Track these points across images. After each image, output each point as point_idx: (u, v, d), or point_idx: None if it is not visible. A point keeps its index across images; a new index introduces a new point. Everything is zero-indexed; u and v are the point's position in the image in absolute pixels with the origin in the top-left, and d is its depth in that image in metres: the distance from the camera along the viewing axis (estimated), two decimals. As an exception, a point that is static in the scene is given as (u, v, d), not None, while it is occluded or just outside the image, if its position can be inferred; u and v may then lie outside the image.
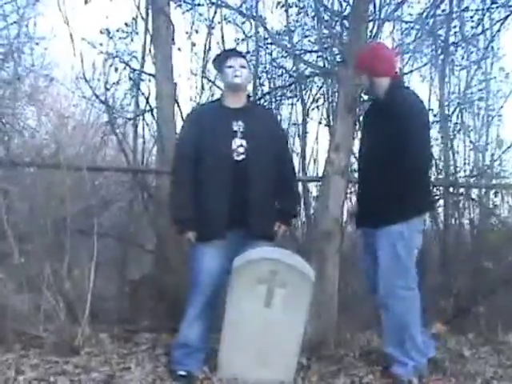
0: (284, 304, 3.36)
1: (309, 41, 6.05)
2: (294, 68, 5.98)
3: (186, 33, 5.80)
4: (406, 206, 3.46)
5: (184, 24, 5.85)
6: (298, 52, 5.74)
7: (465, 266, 5.07)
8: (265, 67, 6.15)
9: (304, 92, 6.05)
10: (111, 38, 5.55)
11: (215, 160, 3.48)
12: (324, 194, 4.21)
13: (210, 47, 5.92)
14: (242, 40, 6.08)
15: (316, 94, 6.10)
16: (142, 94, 5.38)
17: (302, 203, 5.65)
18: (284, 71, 6.14)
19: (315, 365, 3.74)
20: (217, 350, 3.49)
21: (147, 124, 5.53)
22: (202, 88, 6.00)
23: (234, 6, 5.68)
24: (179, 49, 5.20)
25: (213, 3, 5.72)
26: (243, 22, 6.05)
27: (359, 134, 4.04)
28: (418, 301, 3.54)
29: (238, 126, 3.53)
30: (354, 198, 3.98)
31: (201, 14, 5.93)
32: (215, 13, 5.84)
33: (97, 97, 5.45)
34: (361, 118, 4.32)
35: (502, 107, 6.04)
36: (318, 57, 5.88)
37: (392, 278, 3.48)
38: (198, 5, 5.87)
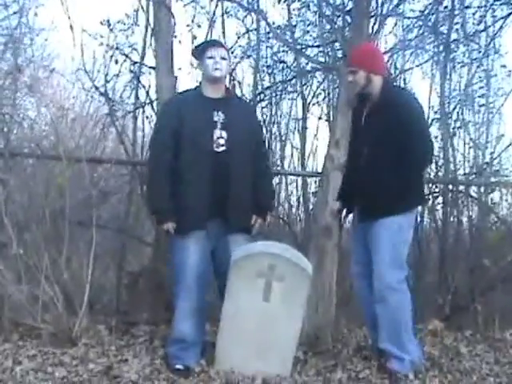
0: (282, 298, 3.37)
1: (310, 36, 6.03)
2: (295, 63, 5.96)
3: (187, 26, 5.77)
4: (407, 198, 3.52)
5: (185, 17, 5.83)
6: (299, 47, 5.71)
7: (463, 263, 5.08)
8: (266, 61, 6.12)
9: (305, 87, 6.04)
10: (112, 29, 5.52)
11: (195, 151, 3.46)
12: (323, 189, 4.21)
13: (211, 41, 5.88)
14: (244, 34, 6.06)
15: (317, 89, 6.09)
16: (143, 86, 5.35)
17: (302, 198, 5.65)
18: (285, 66, 6.11)
19: (312, 359, 3.75)
20: (214, 343, 3.49)
21: (147, 117, 5.49)
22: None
23: (235, 0, 5.65)
24: (180, 42, 5.17)
25: (214, -4, 5.70)
26: (245, 16, 6.01)
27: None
28: (407, 294, 3.56)
29: (218, 116, 3.52)
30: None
31: (202, 7, 5.90)
32: (216, 6, 5.80)
33: (97, 89, 5.43)
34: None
35: (502, 105, 6.04)
36: (319, 52, 5.85)
37: (389, 272, 3.50)
38: (200, -3, 5.85)
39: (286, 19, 5.82)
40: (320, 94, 6.05)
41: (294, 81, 6.07)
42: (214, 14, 5.80)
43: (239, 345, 3.40)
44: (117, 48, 5.50)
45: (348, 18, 4.94)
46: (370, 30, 4.59)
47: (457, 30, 5.73)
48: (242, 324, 3.38)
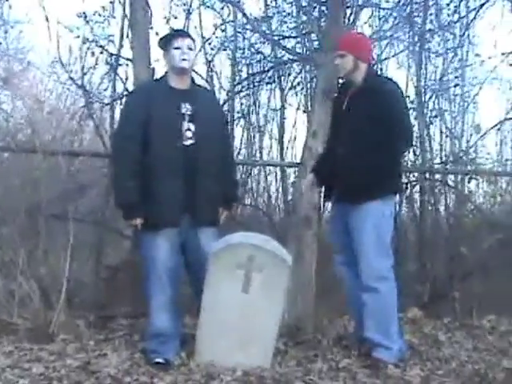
0: (261, 289, 3.36)
1: (287, 27, 6.03)
2: (273, 54, 5.96)
3: (164, 17, 5.74)
4: (385, 183, 3.53)
5: (162, 9, 5.79)
6: (276, 38, 5.71)
7: (441, 251, 5.13)
8: (243, 53, 6.12)
9: (282, 78, 6.05)
10: (88, 21, 5.47)
11: (164, 144, 3.39)
12: (302, 179, 4.21)
13: (188, 32, 5.85)
14: (220, 25, 6.04)
15: (294, 80, 6.10)
16: (120, 78, 5.33)
17: (281, 189, 5.66)
18: (262, 57, 6.11)
19: (293, 350, 3.75)
20: (194, 336, 3.48)
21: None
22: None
23: (212, -9, 5.64)
24: (157, 33, 5.12)
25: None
26: (221, 8, 6.00)
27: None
28: (395, 282, 3.58)
29: (185, 108, 3.45)
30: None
31: (179, -1, 5.86)
32: (193, -3, 5.79)
33: (73, 81, 5.39)
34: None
35: (477, 94, 6.11)
36: (296, 43, 5.86)
37: (377, 260, 3.51)
38: (176, -11, 5.81)
39: (262, 11, 5.82)
40: (298, 84, 6.07)
41: (271, 72, 6.07)
42: (190, 5, 5.78)
43: (219, 337, 3.39)
44: (93, 40, 5.45)
45: (324, 9, 4.94)
46: (346, 21, 4.60)
47: (431, 20, 5.78)
48: (222, 316, 3.37)
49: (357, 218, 3.54)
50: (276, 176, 6.04)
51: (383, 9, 5.61)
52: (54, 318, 3.77)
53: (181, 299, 3.60)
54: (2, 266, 3.85)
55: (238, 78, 6.02)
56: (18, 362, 3.42)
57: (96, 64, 5.46)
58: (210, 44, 5.93)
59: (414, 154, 5.49)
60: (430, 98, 5.91)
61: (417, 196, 5.53)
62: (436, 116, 5.94)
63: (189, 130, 3.43)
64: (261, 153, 6.02)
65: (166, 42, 3.55)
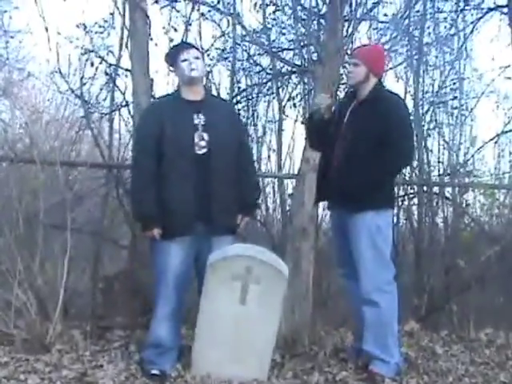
0: (258, 301, 3.36)
1: (286, 39, 6.07)
2: (271, 65, 5.98)
3: (163, 28, 5.77)
4: (379, 196, 3.53)
5: (161, 20, 5.82)
6: (274, 50, 5.74)
7: (438, 264, 5.12)
8: (242, 64, 6.14)
9: (280, 89, 6.07)
10: (87, 32, 5.50)
11: (177, 154, 3.43)
12: (299, 190, 4.23)
13: (187, 44, 5.87)
14: (219, 36, 6.06)
15: (292, 91, 6.12)
16: (118, 89, 5.33)
17: (278, 200, 5.67)
18: (261, 69, 6.14)
19: (289, 362, 3.73)
20: (190, 347, 3.47)
21: (123, 119, 5.49)
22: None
23: (211, 3, 5.66)
24: (156, 44, 5.16)
25: (190, 0, 5.70)
26: (220, 19, 6.03)
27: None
28: (396, 295, 3.57)
29: (198, 119, 3.48)
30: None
31: (178, 11, 5.90)
32: (192, 9, 5.80)
33: (72, 91, 5.39)
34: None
35: (474, 107, 6.13)
36: (294, 55, 5.89)
37: (376, 273, 3.50)
38: (176, 1, 5.84)
39: (261, 22, 5.84)
40: (296, 96, 6.09)
41: (269, 83, 6.09)
42: (189, 17, 5.80)
43: (216, 348, 3.38)
44: (92, 51, 5.47)
45: (322, 22, 4.98)
46: (344, 33, 4.63)
47: (429, 33, 5.82)
48: (219, 327, 3.37)
49: (353, 230, 3.55)
50: (274, 187, 6.04)
51: (381, 22, 5.65)
52: (50, 328, 3.75)
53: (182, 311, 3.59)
54: (-1, 275, 3.84)
55: (236, 89, 6.03)
56: (13, 372, 3.40)
57: (95, 74, 5.47)
58: (208, 55, 5.95)
59: (412, 167, 5.50)
60: (428, 110, 5.93)
61: (414, 208, 5.54)
62: (434, 128, 5.96)
63: (202, 139, 3.45)
64: (259, 164, 6.02)
65: (172, 58, 3.60)
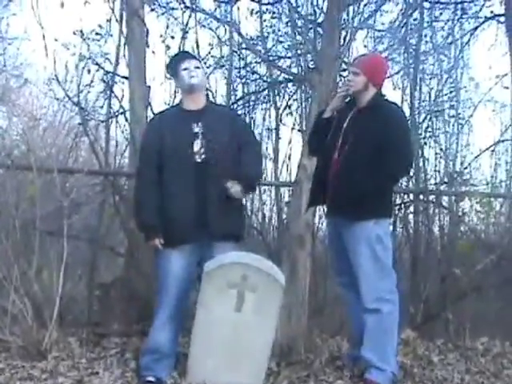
0: (254, 308, 3.35)
1: (282, 47, 6.10)
2: (268, 74, 6.01)
3: (161, 36, 5.79)
4: (381, 204, 3.54)
5: (158, 27, 5.84)
6: (271, 58, 5.77)
7: (434, 272, 5.13)
8: (238, 72, 6.16)
9: (277, 98, 6.08)
10: (85, 39, 5.51)
11: (177, 163, 3.46)
12: (296, 199, 4.23)
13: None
14: (216, 45, 6.09)
15: (289, 99, 6.14)
16: (115, 96, 5.34)
17: (275, 208, 5.68)
18: (258, 77, 6.16)
19: (285, 370, 3.72)
20: (186, 355, 3.47)
21: (120, 126, 5.50)
22: (176, 91, 5.98)
23: (208, 11, 5.69)
24: (153, 52, 5.18)
25: (187, 7, 5.72)
26: (217, 27, 6.06)
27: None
28: (398, 304, 3.57)
29: (198, 127, 3.50)
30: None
31: (175, 18, 5.92)
32: (190, 17, 5.83)
33: (69, 98, 5.40)
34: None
35: (471, 116, 6.16)
36: (291, 63, 5.92)
37: (377, 283, 3.49)
38: (173, 9, 5.87)
39: (258, 30, 5.87)
40: (292, 104, 6.11)
41: (266, 91, 6.11)
42: (186, 24, 5.83)
43: (211, 356, 3.37)
44: (89, 58, 5.48)
45: (319, 30, 4.99)
46: (342, 42, 4.65)
47: (426, 42, 5.84)
48: (215, 335, 3.36)
49: (351, 241, 3.54)
50: (270, 195, 6.05)
51: (378, 30, 5.68)
52: (46, 335, 3.74)
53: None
54: (-5, 282, 3.83)
55: (233, 97, 6.05)
56: (9, 379, 3.39)
57: (92, 81, 5.49)
58: (205, 63, 5.97)
59: (408, 175, 5.51)
60: (425, 119, 5.96)
61: (411, 217, 5.55)
62: (430, 137, 5.98)
63: (202, 147, 3.47)
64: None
65: (173, 68, 3.64)
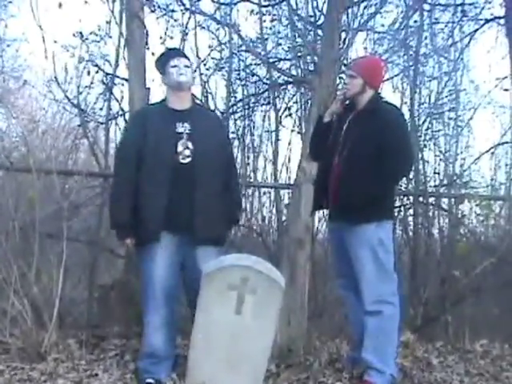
0: (254, 311, 3.35)
1: (282, 49, 6.09)
2: (268, 76, 6.00)
3: (160, 38, 5.78)
4: (383, 207, 3.55)
5: (158, 29, 5.84)
6: (271, 60, 5.77)
7: (434, 274, 5.12)
8: (238, 74, 6.15)
9: (277, 100, 6.08)
10: (84, 41, 5.51)
11: (156, 162, 3.42)
12: (296, 201, 4.23)
13: (183, 53, 5.88)
14: (216, 46, 6.08)
15: (289, 101, 6.13)
16: (115, 97, 5.34)
17: (274, 210, 5.67)
18: (257, 79, 6.15)
19: (284, 372, 3.73)
20: (186, 357, 3.46)
21: (119, 128, 5.49)
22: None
23: (208, 13, 5.68)
24: (153, 53, 5.17)
25: (187, 9, 5.71)
26: (217, 29, 6.05)
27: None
28: (399, 307, 3.57)
29: (183, 127, 3.48)
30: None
31: (175, 20, 5.92)
32: (189, 19, 5.83)
33: (69, 100, 5.40)
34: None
35: (471, 118, 6.16)
36: (291, 65, 5.91)
37: (379, 286, 3.50)
38: (172, 11, 5.86)
39: (258, 32, 5.87)
40: (292, 106, 6.10)
41: (266, 93, 6.10)
42: (186, 26, 5.82)
43: (211, 358, 3.37)
44: (89, 59, 5.48)
45: (319, 32, 5.00)
46: (341, 44, 4.65)
47: (426, 44, 5.84)
48: (214, 337, 3.36)
49: (353, 244, 3.54)
50: (270, 197, 6.04)
51: (378, 32, 5.68)
52: (45, 337, 3.75)
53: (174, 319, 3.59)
54: (-5, 284, 3.83)
55: (233, 99, 6.04)
56: (9, 381, 3.40)
57: (91, 83, 5.48)
58: (205, 65, 5.97)
59: (408, 177, 5.51)
60: (424, 121, 5.95)
61: (410, 219, 5.54)
62: (430, 139, 5.98)
63: (187, 148, 3.44)
64: (255, 174, 6.03)
65: (162, 64, 3.60)
